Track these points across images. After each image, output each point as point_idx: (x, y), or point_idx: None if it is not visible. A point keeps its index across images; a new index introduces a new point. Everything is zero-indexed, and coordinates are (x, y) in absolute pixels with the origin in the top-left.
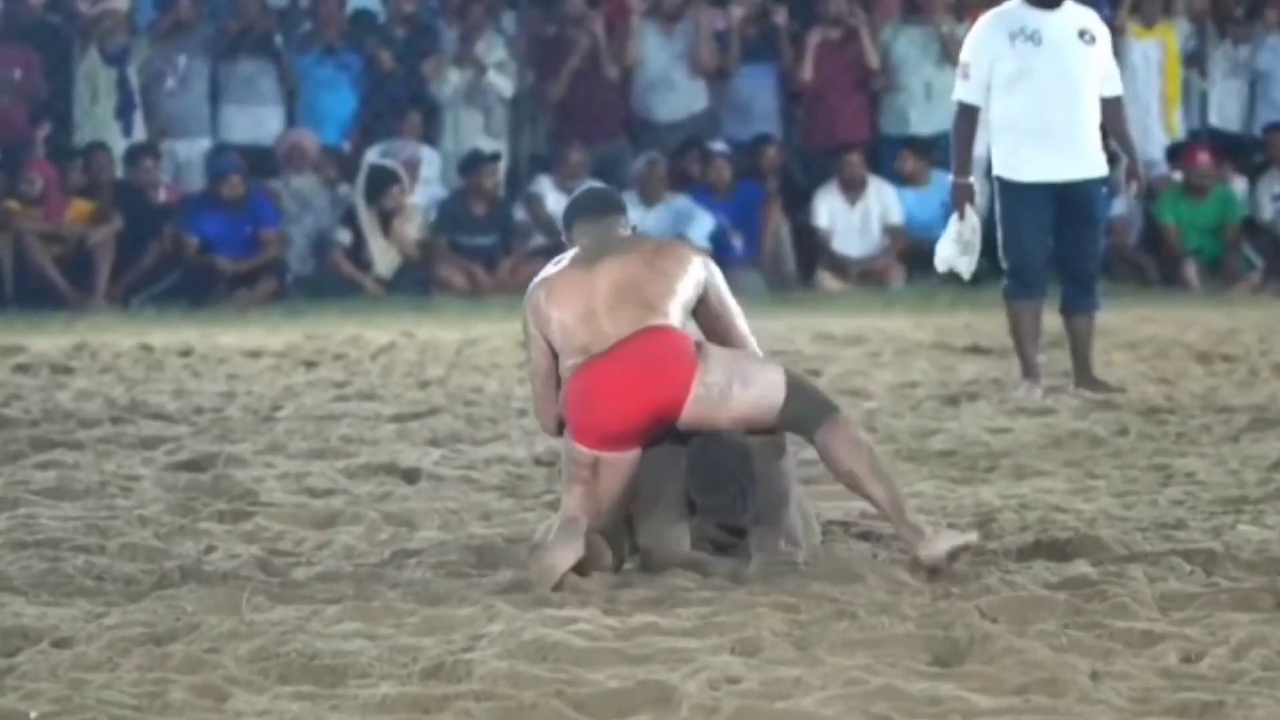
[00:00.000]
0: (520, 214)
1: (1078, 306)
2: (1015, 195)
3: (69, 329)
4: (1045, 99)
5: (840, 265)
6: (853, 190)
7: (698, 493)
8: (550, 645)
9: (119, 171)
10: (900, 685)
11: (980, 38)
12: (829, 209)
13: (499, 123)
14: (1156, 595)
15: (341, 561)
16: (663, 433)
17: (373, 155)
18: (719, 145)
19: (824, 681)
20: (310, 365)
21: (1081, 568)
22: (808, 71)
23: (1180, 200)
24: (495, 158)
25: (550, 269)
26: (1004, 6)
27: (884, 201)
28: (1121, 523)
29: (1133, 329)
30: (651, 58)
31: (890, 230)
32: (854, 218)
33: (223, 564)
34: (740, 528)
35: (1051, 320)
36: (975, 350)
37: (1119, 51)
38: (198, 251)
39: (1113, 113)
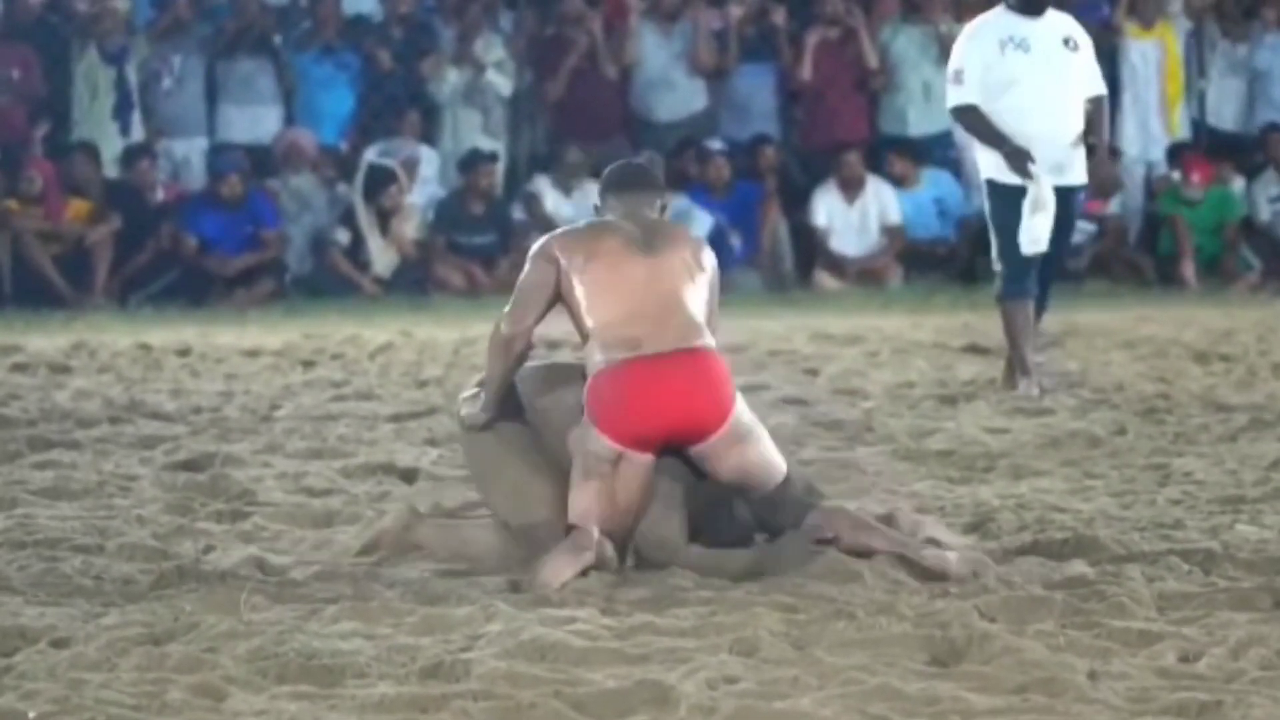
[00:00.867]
0: (518, 213)
1: (1037, 305)
2: (1008, 197)
3: (67, 328)
4: (1034, 106)
5: (838, 265)
6: (851, 190)
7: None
8: (548, 645)
9: (111, 170)
10: (898, 685)
11: (970, 45)
12: (827, 208)
13: (497, 122)
14: (1154, 595)
15: (339, 561)
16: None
17: (371, 155)
18: (717, 144)
19: (822, 681)
20: (308, 365)
21: (1079, 567)
22: (806, 71)
23: (1179, 199)
24: (493, 158)
25: (585, 232)
26: (990, 14)
27: (882, 201)
28: (1119, 522)
29: (1131, 328)
30: (650, 57)
31: (888, 230)
32: (852, 217)
33: (221, 564)
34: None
35: (1052, 321)
36: (973, 350)
37: (1117, 51)
38: (196, 251)
39: (1097, 111)
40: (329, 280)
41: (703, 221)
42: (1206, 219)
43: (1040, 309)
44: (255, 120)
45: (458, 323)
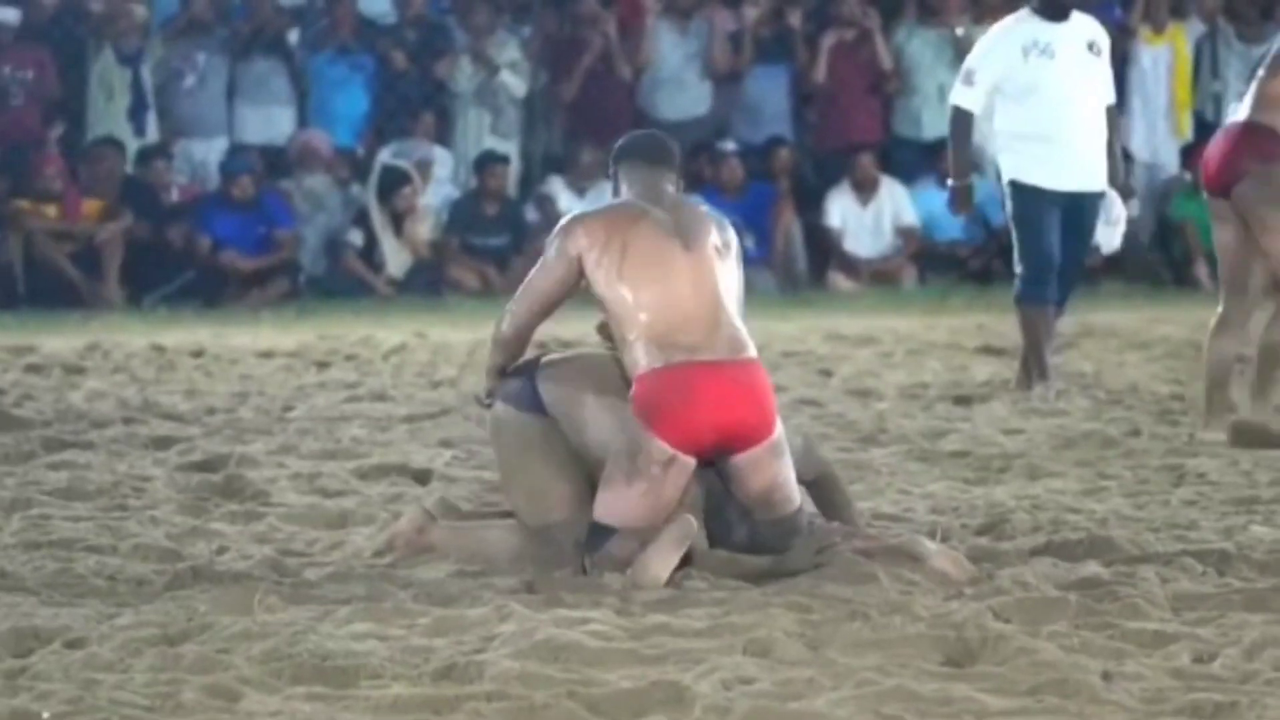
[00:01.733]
0: (532, 214)
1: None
2: (1030, 200)
3: (81, 329)
4: (1056, 112)
5: (852, 265)
6: (865, 191)
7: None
8: (562, 646)
9: (129, 168)
10: (912, 686)
11: (992, 48)
12: (841, 209)
13: (511, 123)
14: (1169, 596)
15: (353, 562)
16: None
17: (385, 156)
18: (730, 145)
19: (836, 682)
20: (322, 366)
21: (1094, 568)
22: (821, 73)
23: (1192, 200)
24: (504, 159)
25: (613, 218)
26: (1015, 17)
27: (896, 202)
28: (1134, 523)
29: (1145, 329)
30: (664, 58)
31: (902, 231)
32: (866, 218)
33: (235, 565)
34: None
35: (1066, 322)
36: (987, 351)
37: (1128, 54)
38: (210, 251)
39: (1109, 118)
40: (343, 281)
41: None
42: None
43: (1059, 312)
44: (269, 121)
45: (471, 324)
